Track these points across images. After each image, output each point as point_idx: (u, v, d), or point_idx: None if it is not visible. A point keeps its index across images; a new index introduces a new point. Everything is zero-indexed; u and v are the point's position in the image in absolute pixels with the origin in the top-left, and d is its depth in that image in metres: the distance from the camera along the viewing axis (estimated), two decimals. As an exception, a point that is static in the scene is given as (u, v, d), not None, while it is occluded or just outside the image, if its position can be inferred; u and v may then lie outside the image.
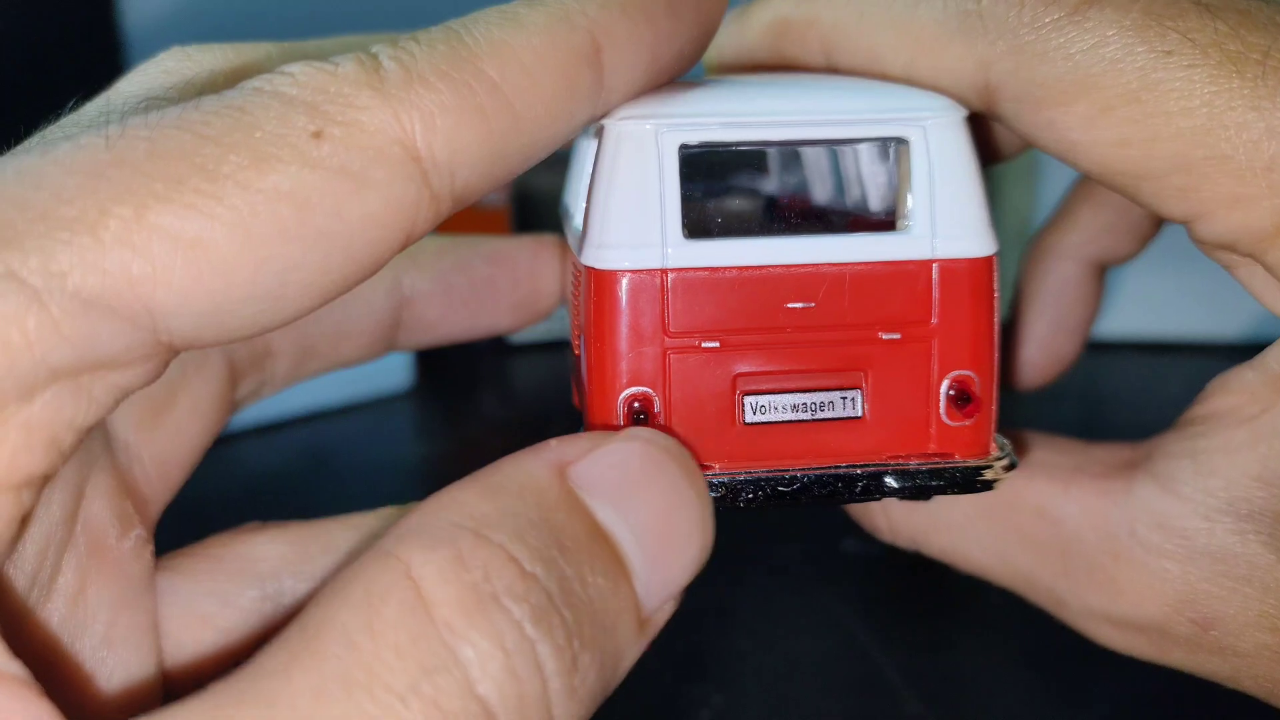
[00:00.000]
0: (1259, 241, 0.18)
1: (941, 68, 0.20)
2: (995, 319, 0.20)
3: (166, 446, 0.22)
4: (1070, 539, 0.21)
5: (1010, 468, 0.20)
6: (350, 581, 0.15)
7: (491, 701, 0.15)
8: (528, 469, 0.17)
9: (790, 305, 0.20)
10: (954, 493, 0.20)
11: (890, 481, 0.20)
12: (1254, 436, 0.19)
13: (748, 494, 0.20)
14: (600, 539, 0.17)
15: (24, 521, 0.16)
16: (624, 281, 0.19)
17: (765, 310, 0.20)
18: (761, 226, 0.20)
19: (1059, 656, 0.34)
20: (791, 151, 0.24)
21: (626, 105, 0.19)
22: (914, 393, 0.20)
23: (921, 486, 0.20)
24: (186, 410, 0.23)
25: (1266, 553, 0.19)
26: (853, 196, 0.24)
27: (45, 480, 0.16)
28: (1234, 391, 0.20)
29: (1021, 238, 0.59)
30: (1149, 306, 0.55)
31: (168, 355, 0.16)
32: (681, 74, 0.20)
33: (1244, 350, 0.20)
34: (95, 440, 0.20)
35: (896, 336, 0.20)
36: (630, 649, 0.17)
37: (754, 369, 0.20)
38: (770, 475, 0.20)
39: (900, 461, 0.20)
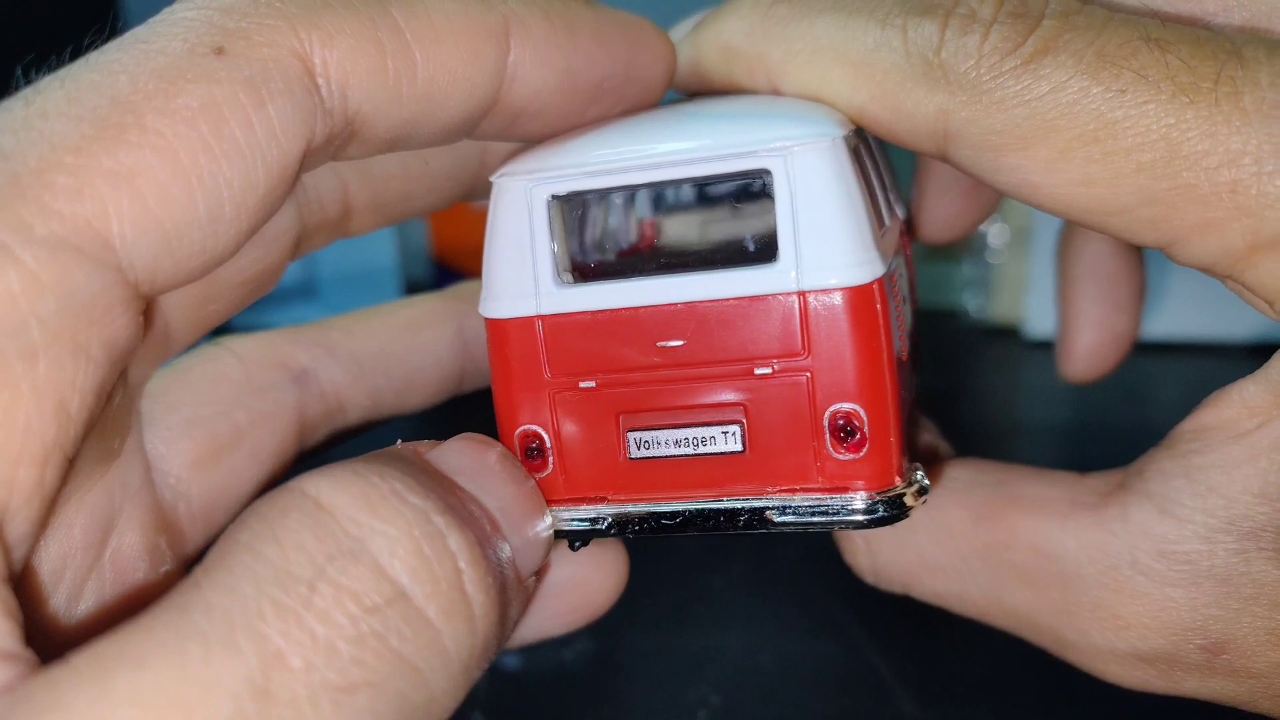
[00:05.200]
0: (1235, 262, 0.18)
1: (901, 113, 0.20)
2: (883, 347, 0.19)
3: (219, 488, 0.22)
4: (1070, 575, 0.21)
5: (922, 493, 0.20)
6: (247, 515, 0.16)
7: (403, 582, 0.16)
8: (392, 451, 0.18)
9: (661, 344, 0.20)
10: (842, 528, 0.20)
11: (773, 516, 0.20)
12: (1252, 451, 0.19)
13: (634, 526, 0.20)
14: (472, 499, 0.18)
15: (50, 504, 0.16)
16: (506, 330, 0.20)
17: (638, 349, 0.20)
18: (634, 268, 0.20)
19: (1054, 658, 0.33)
20: (669, 190, 0.25)
21: (513, 158, 0.20)
22: (794, 427, 0.20)
23: (804, 522, 0.20)
24: (246, 456, 0.23)
25: (1272, 569, 0.19)
26: (731, 231, 0.24)
27: (66, 460, 0.16)
28: (1231, 405, 0.19)
29: (1022, 237, 0.59)
30: (1155, 307, 0.55)
31: (140, 301, 0.17)
32: (615, 111, 0.21)
33: (1249, 351, 0.20)
34: (134, 473, 0.20)
35: (769, 371, 0.19)
36: (516, 600, 0.18)
37: (634, 407, 0.20)
38: (655, 509, 0.20)
39: (785, 495, 0.20)
